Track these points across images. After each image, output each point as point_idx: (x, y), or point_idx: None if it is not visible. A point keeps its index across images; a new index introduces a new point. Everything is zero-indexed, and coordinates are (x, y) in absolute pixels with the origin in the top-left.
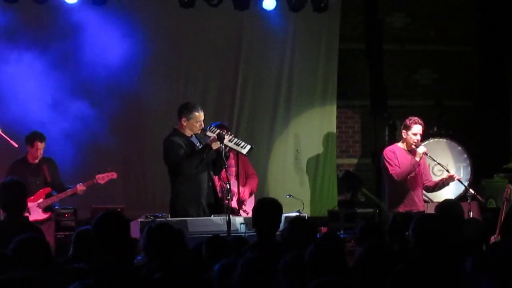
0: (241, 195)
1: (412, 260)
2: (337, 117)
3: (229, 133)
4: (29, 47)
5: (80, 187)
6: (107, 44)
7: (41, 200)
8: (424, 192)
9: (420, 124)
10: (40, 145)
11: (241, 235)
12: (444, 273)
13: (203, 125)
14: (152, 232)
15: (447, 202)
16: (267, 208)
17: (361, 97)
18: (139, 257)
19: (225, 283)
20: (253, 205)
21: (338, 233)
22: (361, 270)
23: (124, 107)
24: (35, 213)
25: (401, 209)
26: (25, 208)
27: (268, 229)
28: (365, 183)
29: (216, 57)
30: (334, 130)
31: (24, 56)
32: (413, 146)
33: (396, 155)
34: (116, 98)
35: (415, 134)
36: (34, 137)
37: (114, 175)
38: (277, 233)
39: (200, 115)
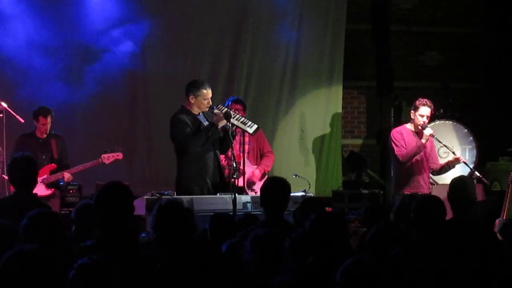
0: (251, 176)
1: (413, 242)
2: (343, 98)
3: (241, 107)
4: (42, 24)
5: (66, 174)
6: (113, 21)
7: (45, 176)
8: (430, 174)
9: (428, 106)
10: (44, 120)
11: (250, 212)
12: (445, 254)
13: (211, 103)
14: (162, 210)
15: (460, 178)
16: (276, 187)
17: (367, 78)
18: (143, 234)
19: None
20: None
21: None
22: (369, 251)
23: (131, 84)
24: (39, 189)
25: (407, 191)
26: (35, 185)
27: (276, 209)
28: (370, 164)
29: (223, 37)
30: (340, 110)
31: (34, 33)
32: (420, 128)
33: (403, 136)
34: (124, 75)
35: (422, 116)
36: (39, 112)
37: (120, 155)
38: (285, 212)
39: (208, 92)
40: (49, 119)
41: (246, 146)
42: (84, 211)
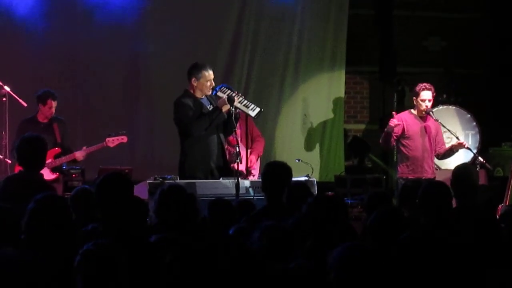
0: (249, 164)
1: (418, 227)
2: (346, 83)
3: (239, 94)
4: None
5: (78, 154)
6: (117, 4)
7: (49, 161)
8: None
9: (428, 89)
10: (54, 103)
11: (248, 199)
12: (449, 241)
13: (213, 84)
14: (164, 194)
15: (463, 166)
16: (277, 172)
17: (370, 63)
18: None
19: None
20: (259, 168)
21: (345, 198)
22: (372, 236)
23: (134, 67)
24: (43, 173)
25: (411, 175)
26: (43, 165)
27: (278, 193)
28: (373, 149)
29: (226, 20)
30: (342, 95)
31: (34, 16)
32: (424, 113)
33: (400, 123)
34: (126, 58)
35: (423, 100)
36: (47, 95)
37: (124, 139)
38: None
39: (209, 74)
40: (56, 103)
41: (238, 131)
42: (80, 197)
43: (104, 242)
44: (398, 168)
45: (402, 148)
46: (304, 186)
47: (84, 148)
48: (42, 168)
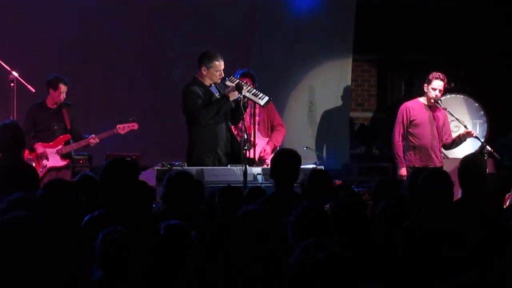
0: (262, 152)
1: (419, 216)
2: (353, 71)
3: (250, 81)
4: None
5: (93, 139)
6: None
7: (60, 147)
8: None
9: (441, 79)
10: (64, 88)
11: (258, 185)
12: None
13: (223, 74)
14: (172, 180)
15: (472, 155)
16: (287, 159)
17: (378, 50)
18: (153, 205)
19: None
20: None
21: (352, 186)
22: (379, 224)
23: (143, 54)
24: (53, 159)
25: (418, 164)
26: (23, 149)
27: (287, 180)
28: (380, 137)
29: (233, 7)
30: (349, 83)
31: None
32: (432, 101)
33: (408, 114)
34: (135, 46)
35: (434, 89)
36: (58, 80)
37: (135, 126)
38: (296, 184)
39: (220, 64)
40: (67, 88)
41: (257, 118)
42: (83, 183)
43: (120, 228)
44: (406, 156)
45: (410, 137)
46: (324, 172)
47: (93, 136)
48: (21, 151)
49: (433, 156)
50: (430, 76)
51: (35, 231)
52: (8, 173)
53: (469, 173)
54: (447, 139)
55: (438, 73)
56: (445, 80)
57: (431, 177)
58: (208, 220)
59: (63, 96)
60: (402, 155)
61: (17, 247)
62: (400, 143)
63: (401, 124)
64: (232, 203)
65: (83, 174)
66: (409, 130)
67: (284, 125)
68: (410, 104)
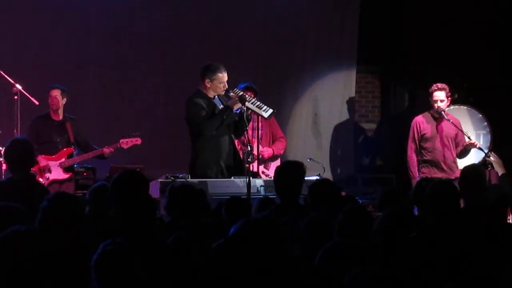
0: (261, 151)
1: (426, 226)
2: (357, 82)
3: (252, 95)
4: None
5: (107, 149)
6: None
7: (63, 160)
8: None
9: (441, 89)
10: (55, 92)
11: (269, 196)
12: (457, 239)
13: (226, 86)
14: (175, 191)
15: (471, 166)
16: (290, 172)
17: (382, 62)
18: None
19: None
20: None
21: (356, 197)
22: (382, 235)
23: (147, 65)
24: (56, 172)
25: (432, 176)
26: (32, 166)
27: (291, 193)
28: (384, 148)
29: (237, 19)
30: (353, 94)
31: (48, 14)
32: (438, 112)
33: (418, 129)
34: (138, 58)
35: (435, 101)
36: (50, 87)
37: (138, 140)
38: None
39: (223, 76)
40: (58, 92)
41: (260, 132)
42: (99, 193)
43: (122, 241)
44: (420, 170)
45: (423, 151)
46: (328, 182)
47: (107, 146)
48: (30, 167)
49: (446, 168)
50: (430, 90)
51: (34, 245)
52: (14, 189)
53: (469, 183)
54: (456, 149)
55: (437, 84)
56: (447, 89)
57: (438, 188)
58: (216, 231)
59: (55, 100)
60: (415, 170)
61: (17, 261)
62: (413, 158)
63: (413, 140)
64: (239, 214)
65: (99, 184)
66: (421, 144)
67: (288, 137)
68: (419, 119)
